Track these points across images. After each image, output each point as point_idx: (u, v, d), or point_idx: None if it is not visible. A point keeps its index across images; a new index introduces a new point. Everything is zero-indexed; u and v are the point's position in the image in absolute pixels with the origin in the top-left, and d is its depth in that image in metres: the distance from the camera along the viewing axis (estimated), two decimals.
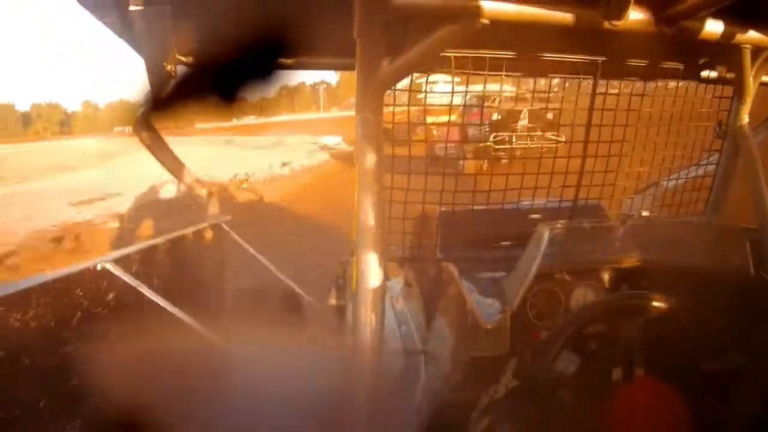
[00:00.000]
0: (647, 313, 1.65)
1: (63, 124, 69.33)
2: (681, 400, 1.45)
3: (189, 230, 2.62)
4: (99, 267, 1.90)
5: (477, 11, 1.30)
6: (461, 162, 2.59)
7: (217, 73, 1.80)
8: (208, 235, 2.66)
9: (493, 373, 1.74)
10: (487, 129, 3.55)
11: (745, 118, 2.20)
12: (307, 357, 1.97)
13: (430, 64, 2.03)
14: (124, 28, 1.69)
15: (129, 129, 2.09)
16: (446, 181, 2.23)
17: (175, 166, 2.34)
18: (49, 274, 1.75)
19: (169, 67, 1.72)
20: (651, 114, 2.33)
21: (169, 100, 1.78)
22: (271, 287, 2.95)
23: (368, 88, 1.37)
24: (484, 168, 2.45)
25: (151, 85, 1.74)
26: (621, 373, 1.69)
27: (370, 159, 1.41)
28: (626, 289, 1.88)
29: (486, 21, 1.30)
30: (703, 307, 1.60)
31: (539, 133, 2.95)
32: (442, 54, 1.88)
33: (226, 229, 2.68)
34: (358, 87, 1.39)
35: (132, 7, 1.53)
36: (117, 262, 1.98)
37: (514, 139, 3.45)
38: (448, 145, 2.38)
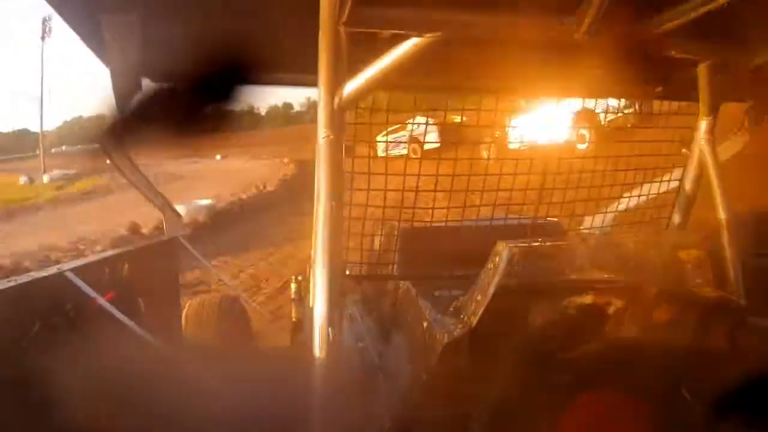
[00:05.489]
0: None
1: None
2: (639, 410, 1.56)
3: (148, 242, 2.69)
4: (59, 275, 1.95)
5: (436, 25, 1.40)
6: None
7: (184, 88, 1.88)
8: (166, 248, 2.73)
9: (452, 390, 1.83)
10: None
11: (710, 135, 2.31)
12: (264, 374, 2.05)
13: (392, 84, 2.10)
14: (95, 37, 1.75)
15: None
16: (405, 197, 2.31)
17: (139, 180, 2.41)
18: (8, 280, 1.80)
19: (135, 82, 1.79)
20: (612, 131, 2.45)
21: (135, 114, 1.85)
22: (226, 301, 3.04)
23: (330, 107, 1.44)
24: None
25: (117, 100, 1.80)
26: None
27: (330, 177, 1.49)
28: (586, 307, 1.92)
29: (445, 35, 1.40)
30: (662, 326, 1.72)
31: None
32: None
33: (184, 243, 2.74)
34: (320, 106, 1.46)
35: (103, 16, 1.61)
36: (77, 270, 2.03)
37: None
38: None
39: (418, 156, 2.60)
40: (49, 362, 1.67)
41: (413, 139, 3.08)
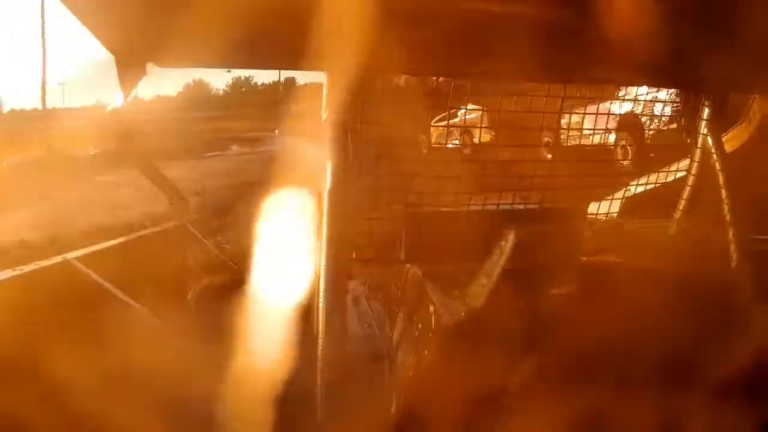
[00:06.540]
0: None
1: None
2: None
3: (154, 228, 2.70)
4: (64, 263, 1.97)
5: (452, 9, 1.41)
6: None
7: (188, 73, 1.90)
8: (173, 234, 2.74)
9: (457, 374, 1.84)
10: None
11: (717, 124, 2.32)
12: (273, 358, 2.07)
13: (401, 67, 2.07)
14: (99, 23, 1.75)
15: None
16: (413, 182, 2.32)
17: (146, 165, 2.43)
18: (14, 269, 1.81)
19: (141, 67, 1.80)
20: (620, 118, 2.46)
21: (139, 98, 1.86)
22: (235, 284, 3.04)
23: (338, 91, 1.45)
24: None
25: (122, 86, 1.82)
26: None
27: (339, 160, 1.51)
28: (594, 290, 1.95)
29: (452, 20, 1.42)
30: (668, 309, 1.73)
31: None
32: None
33: (191, 229, 2.75)
34: (329, 87, 1.48)
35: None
36: (82, 258, 2.05)
37: None
38: None
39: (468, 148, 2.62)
40: (57, 353, 1.69)
41: (465, 130, 3.07)
